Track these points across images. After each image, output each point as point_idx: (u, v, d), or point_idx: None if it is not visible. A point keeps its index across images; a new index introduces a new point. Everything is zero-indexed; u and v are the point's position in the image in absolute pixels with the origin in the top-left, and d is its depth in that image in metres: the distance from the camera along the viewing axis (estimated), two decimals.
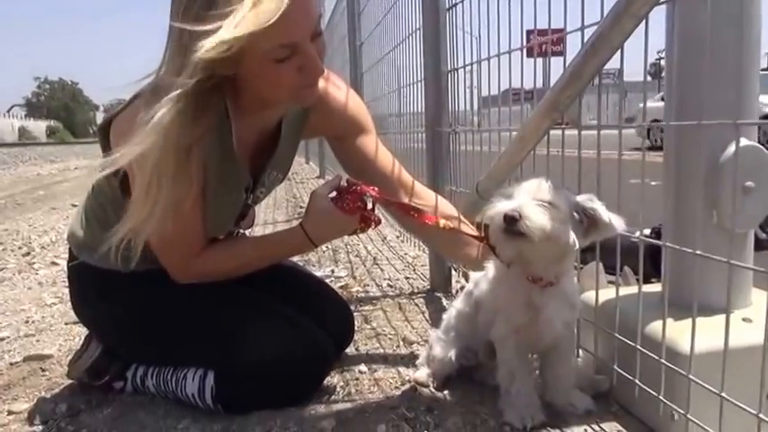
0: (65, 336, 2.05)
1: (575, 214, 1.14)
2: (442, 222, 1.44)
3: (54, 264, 3.28)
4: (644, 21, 1.12)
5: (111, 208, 1.42)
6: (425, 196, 1.62)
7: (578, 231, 1.14)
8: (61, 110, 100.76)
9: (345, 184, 1.42)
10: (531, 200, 1.11)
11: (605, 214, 1.13)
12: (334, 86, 1.51)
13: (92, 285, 1.51)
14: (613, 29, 1.15)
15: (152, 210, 1.16)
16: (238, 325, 1.43)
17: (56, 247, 3.82)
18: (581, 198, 1.16)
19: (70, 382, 1.62)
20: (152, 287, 1.42)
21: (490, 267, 1.36)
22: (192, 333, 1.45)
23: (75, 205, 5.84)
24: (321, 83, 1.36)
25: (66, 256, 1.57)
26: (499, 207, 1.13)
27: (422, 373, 1.48)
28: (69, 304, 1.63)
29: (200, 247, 1.39)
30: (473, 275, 1.46)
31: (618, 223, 1.13)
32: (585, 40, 1.23)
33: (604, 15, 1.16)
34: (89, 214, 1.50)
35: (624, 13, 1.11)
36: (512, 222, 1.09)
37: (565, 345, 1.31)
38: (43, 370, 1.76)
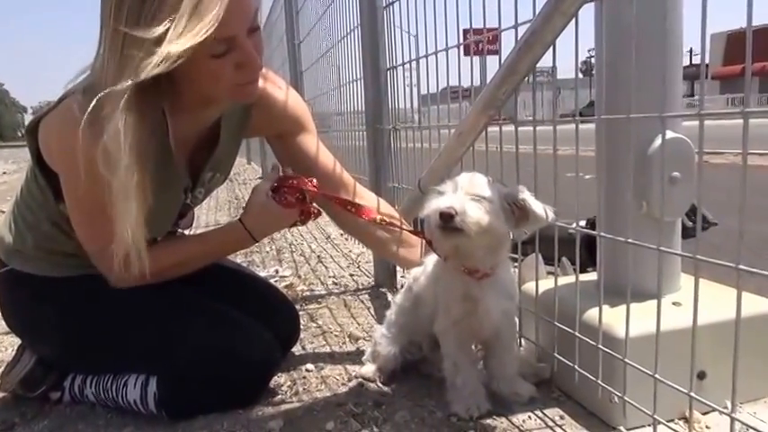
0: None
1: (506, 205, 1.17)
2: (379, 217, 1.46)
3: None
4: (574, 18, 1.16)
5: (41, 212, 1.37)
6: (366, 197, 1.63)
7: (510, 222, 1.17)
8: None
9: (283, 176, 1.42)
10: (465, 195, 1.14)
11: (535, 204, 1.16)
12: (274, 85, 1.50)
13: (23, 293, 1.45)
14: (545, 26, 1.19)
15: (128, 222, 1.15)
16: (181, 328, 1.40)
17: None
18: (511, 189, 1.18)
19: (2, 394, 1.55)
20: (87, 292, 1.38)
21: (428, 262, 1.38)
22: (133, 338, 1.41)
23: (2, 211, 5.59)
24: (261, 81, 1.35)
25: None
26: (435, 204, 1.14)
27: (368, 369, 1.50)
28: None
29: None
30: (413, 271, 1.48)
31: (548, 212, 1.16)
32: (519, 37, 1.26)
33: (537, 13, 1.20)
34: (18, 219, 1.44)
35: (555, 11, 1.15)
36: (448, 219, 1.11)
37: (506, 334, 1.34)
38: None
